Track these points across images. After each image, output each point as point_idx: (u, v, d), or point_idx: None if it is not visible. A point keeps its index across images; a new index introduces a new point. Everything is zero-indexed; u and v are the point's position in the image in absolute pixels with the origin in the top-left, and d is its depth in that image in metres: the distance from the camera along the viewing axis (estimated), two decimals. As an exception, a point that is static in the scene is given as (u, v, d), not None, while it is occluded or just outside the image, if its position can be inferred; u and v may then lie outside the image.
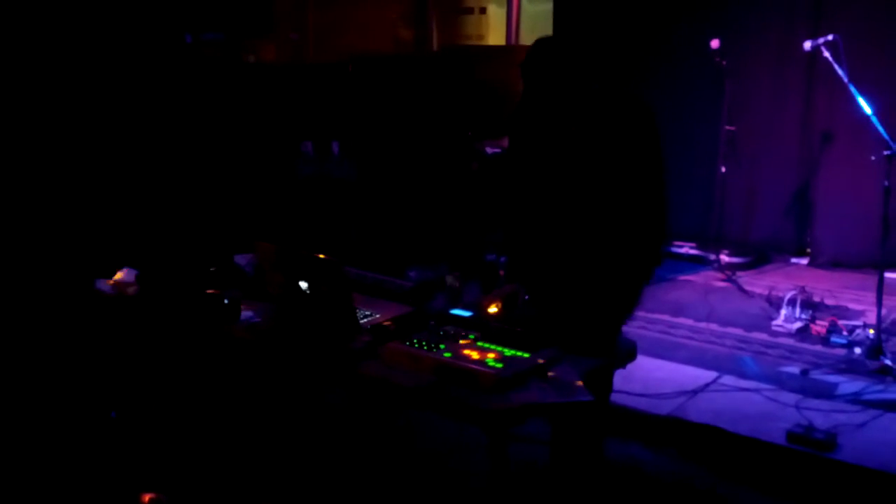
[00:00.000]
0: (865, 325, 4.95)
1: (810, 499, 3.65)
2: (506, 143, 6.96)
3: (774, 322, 5.30)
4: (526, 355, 2.85)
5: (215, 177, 6.42)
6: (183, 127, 6.29)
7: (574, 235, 3.17)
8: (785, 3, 6.46)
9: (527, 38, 9.27)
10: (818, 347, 4.95)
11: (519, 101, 3.23)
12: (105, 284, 3.68)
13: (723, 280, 6.31)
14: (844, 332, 4.97)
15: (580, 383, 2.73)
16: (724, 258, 6.62)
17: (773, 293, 5.63)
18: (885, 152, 4.53)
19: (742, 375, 4.57)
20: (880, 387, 4.38)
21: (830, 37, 4.88)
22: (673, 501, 3.69)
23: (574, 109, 3.02)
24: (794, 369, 4.64)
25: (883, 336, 4.67)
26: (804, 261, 6.70)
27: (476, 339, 2.97)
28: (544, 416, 3.24)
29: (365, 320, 3.20)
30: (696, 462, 3.92)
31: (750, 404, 4.22)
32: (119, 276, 3.67)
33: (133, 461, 3.67)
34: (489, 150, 7.05)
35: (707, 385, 4.44)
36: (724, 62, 6.22)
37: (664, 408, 4.19)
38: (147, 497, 3.11)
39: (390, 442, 4.01)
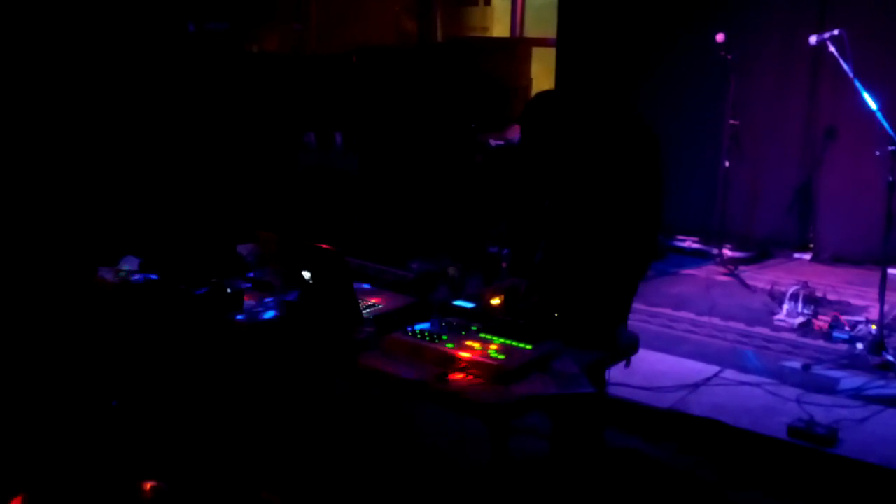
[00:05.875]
0: (868, 321, 4.95)
1: (810, 493, 3.65)
2: (509, 134, 6.97)
3: (776, 317, 5.29)
4: (528, 347, 2.85)
5: (218, 167, 6.42)
6: (186, 117, 6.29)
7: (577, 235, 3.31)
8: (791, -3, 6.44)
9: (531, 30, 9.24)
10: (820, 342, 4.94)
11: (533, 100, 3.28)
12: (108, 272, 3.68)
13: (725, 274, 6.30)
14: (846, 328, 4.97)
15: (582, 375, 2.73)
16: (727, 253, 6.60)
17: (776, 288, 5.62)
18: (890, 148, 4.52)
19: (744, 370, 4.57)
20: (882, 382, 4.38)
21: (836, 31, 4.86)
22: (673, 495, 3.69)
23: (585, 129, 3.23)
24: (796, 364, 4.64)
25: (885, 332, 4.67)
26: (807, 256, 6.69)
27: (478, 331, 2.97)
28: (545, 409, 3.25)
29: (367, 311, 3.20)
30: (696, 455, 3.92)
31: (751, 398, 4.22)
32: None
33: (134, 449, 3.67)
34: (493, 142, 7.05)
35: (708, 379, 4.44)
36: (729, 56, 6.19)
37: (665, 401, 4.19)
38: (148, 485, 3.11)
39: (391, 433, 4.02)
